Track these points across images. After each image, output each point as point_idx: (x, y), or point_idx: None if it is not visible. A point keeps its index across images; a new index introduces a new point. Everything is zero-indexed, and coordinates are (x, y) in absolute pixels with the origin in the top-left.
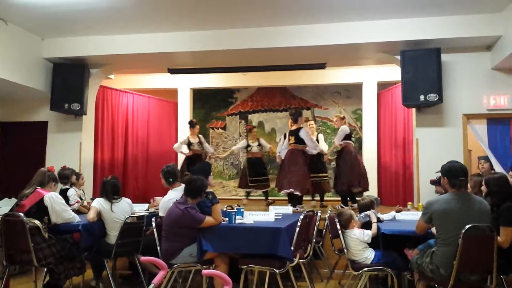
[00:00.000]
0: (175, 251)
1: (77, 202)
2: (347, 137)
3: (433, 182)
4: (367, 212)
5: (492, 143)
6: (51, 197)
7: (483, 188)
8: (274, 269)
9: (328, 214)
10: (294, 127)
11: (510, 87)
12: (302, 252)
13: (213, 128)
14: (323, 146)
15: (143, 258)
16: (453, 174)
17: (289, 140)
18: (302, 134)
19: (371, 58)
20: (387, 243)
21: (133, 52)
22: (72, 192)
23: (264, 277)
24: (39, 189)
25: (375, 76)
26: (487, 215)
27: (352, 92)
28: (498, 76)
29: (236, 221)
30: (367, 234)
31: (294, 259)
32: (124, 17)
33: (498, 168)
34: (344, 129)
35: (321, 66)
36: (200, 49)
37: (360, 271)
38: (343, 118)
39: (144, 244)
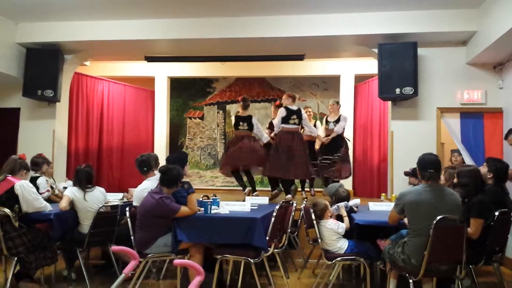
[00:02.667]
0: (149, 241)
1: (47, 191)
2: (283, 120)
3: (406, 174)
4: (339, 204)
5: (465, 137)
6: (22, 185)
7: (456, 180)
8: (249, 259)
9: (304, 205)
10: (245, 114)
11: (484, 82)
12: (277, 242)
13: (190, 118)
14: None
15: (113, 247)
16: (423, 166)
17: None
18: (255, 121)
19: (349, 51)
20: (361, 233)
21: (109, 38)
22: (42, 181)
23: (239, 266)
24: (9, 177)
25: (352, 68)
26: (458, 207)
27: (330, 84)
28: (472, 71)
29: (212, 211)
30: (341, 227)
31: (269, 249)
32: (100, 2)
33: (469, 161)
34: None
35: (300, 58)
36: (178, 37)
37: (333, 261)
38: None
39: (118, 234)
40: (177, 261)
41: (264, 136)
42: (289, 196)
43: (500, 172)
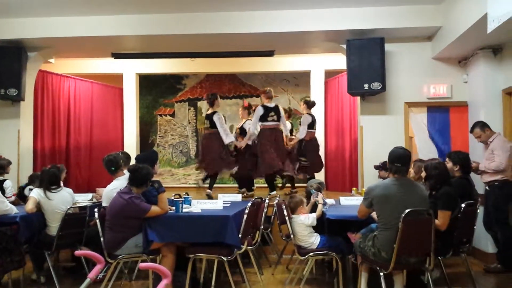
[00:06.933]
0: (119, 242)
1: (14, 194)
2: (262, 118)
3: (377, 167)
4: (320, 194)
5: (432, 130)
6: None
7: (423, 173)
8: (222, 257)
9: (277, 201)
10: (209, 111)
11: (449, 76)
12: (250, 239)
13: (161, 115)
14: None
15: (77, 252)
16: (391, 159)
17: (204, 124)
18: (215, 118)
19: (318, 47)
20: (332, 228)
21: (74, 35)
22: (8, 184)
23: (212, 265)
24: None
25: (322, 64)
26: (425, 200)
27: (300, 79)
28: (438, 66)
29: (184, 210)
30: (312, 217)
31: (242, 246)
32: None
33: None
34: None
35: (270, 54)
36: (145, 33)
37: (306, 256)
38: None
39: (88, 235)
40: (142, 265)
41: (228, 135)
42: (273, 192)
43: (465, 161)
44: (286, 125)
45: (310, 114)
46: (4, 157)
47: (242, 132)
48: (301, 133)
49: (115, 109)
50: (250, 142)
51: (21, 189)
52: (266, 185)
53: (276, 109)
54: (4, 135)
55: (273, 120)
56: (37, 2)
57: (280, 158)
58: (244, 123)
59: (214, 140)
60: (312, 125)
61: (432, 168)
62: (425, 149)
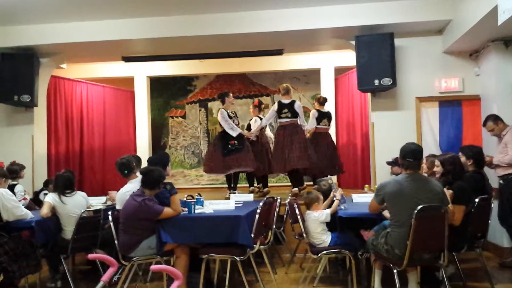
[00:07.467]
0: (133, 244)
1: (24, 199)
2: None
3: (389, 163)
4: (339, 188)
5: (443, 125)
6: (1, 193)
7: (438, 169)
8: (235, 257)
9: (288, 200)
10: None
11: (461, 69)
12: (263, 238)
13: (172, 117)
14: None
15: (90, 255)
16: (403, 155)
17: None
18: (218, 116)
19: (327, 44)
20: (345, 224)
21: (85, 40)
22: (19, 188)
23: (225, 265)
24: None
25: (332, 61)
26: (438, 195)
27: (310, 77)
28: (449, 59)
29: (196, 211)
30: (326, 213)
31: (254, 246)
32: (74, 3)
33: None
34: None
35: (279, 52)
36: (154, 36)
37: (319, 254)
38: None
39: (103, 238)
40: (154, 267)
41: (234, 129)
42: (295, 189)
43: (478, 155)
44: (304, 122)
45: (317, 109)
46: (18, 162)
47: (248, 128)
48: (309, 124)
49: (127, 112)
50: (254, 138)
51: (36, 194)
52: (277, 184)
53: (290, 105)
54: (18, 141)
55: (286, 117)
56: (47, 8)
57: (297, 155)
58: (251, 120)
59: (219, 139)
60: (318, 120)
61: (448, 163)
62: (429, 145)
